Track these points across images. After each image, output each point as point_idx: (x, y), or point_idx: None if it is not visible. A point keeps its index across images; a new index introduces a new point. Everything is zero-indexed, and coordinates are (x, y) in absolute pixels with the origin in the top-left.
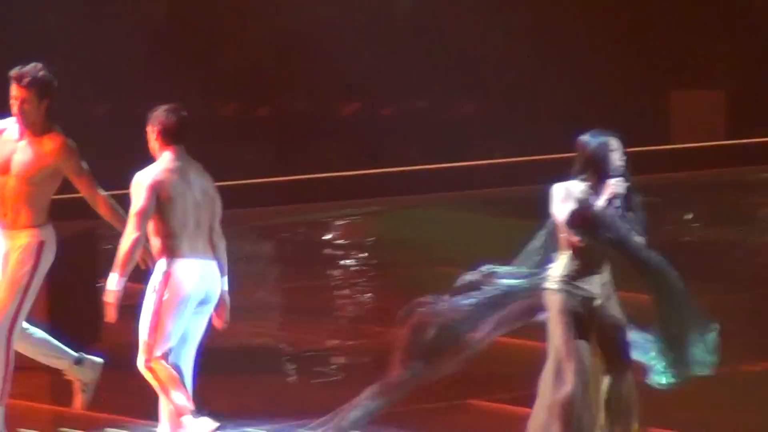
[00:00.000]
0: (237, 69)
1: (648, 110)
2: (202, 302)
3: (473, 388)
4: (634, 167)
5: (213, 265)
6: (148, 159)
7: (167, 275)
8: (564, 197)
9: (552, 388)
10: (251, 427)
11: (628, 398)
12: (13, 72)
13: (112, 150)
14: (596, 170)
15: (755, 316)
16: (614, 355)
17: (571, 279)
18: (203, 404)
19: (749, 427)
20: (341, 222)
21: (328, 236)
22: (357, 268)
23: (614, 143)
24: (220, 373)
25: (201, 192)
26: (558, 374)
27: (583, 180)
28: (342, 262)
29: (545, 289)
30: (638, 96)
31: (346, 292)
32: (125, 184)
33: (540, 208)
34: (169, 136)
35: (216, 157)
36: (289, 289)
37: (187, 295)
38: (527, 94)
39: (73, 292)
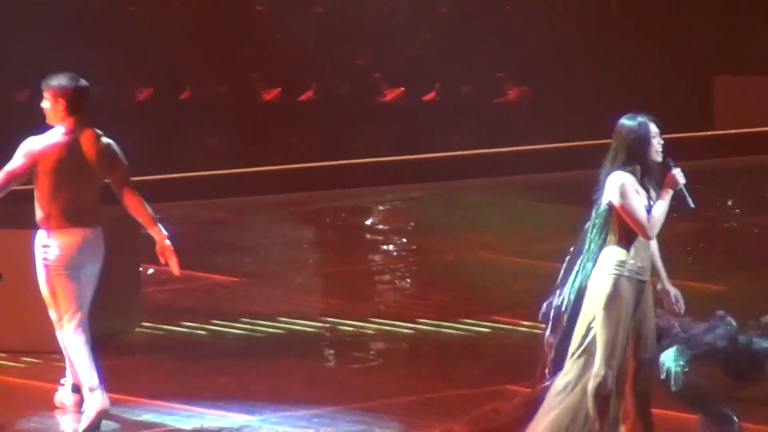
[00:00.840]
0: (282, 54)
1: (692, 95)
2: (84, 270)
3: (511, 375)
4: (677, 153)
5: (92, 232)
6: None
7: (47, 246)
8: (628, 190)
9: (583, 372)
10: (290, 411)
11: (649, 383)
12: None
13: (153, 134)
14: (639, 157)
15: None
16: (650, 342)
17: (628, 265)
18: (244, 389)
19: None
20: (383, 207)
21: (370, 221)
22: (398, 253)
23: (654, 128)
24: (259, 358)
25: (88, 163)
26: (593, 359)
27: (630, 171)
28: (383, 247)
29: (601, 274)
30: (682, 81)
31: (387, 277)
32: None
33: (583, 193)
34: (73, 107)
35: (260, 142)
36: (329, 274)
37: (69, 264)
38: (571, 79)
39: (115, 277)
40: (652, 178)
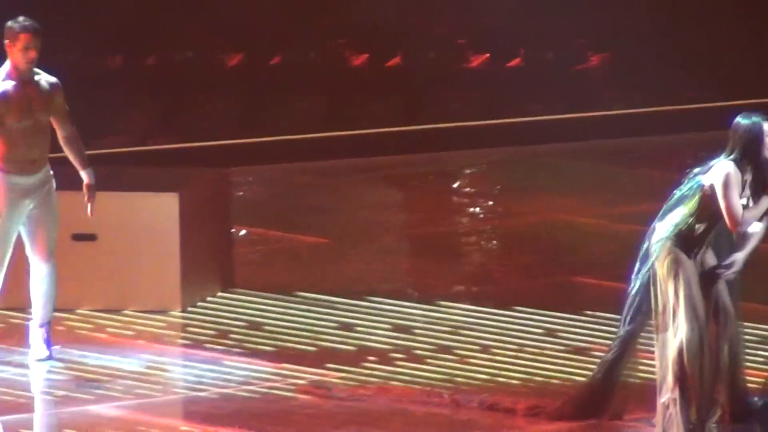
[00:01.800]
0: (368, 20)
1: None
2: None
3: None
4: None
5: (34, 176)
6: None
7: None
8: (733, 182)
9: (666, 340)
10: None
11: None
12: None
13: (243, 99)
14: (752, 156)
15: None
16: (730, 317)
17: (693, 240)
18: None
19: None
20: (468, 171)
21: (456, 184)
22: (483, 215)
23: (767, 127)
24: (346, 319)
25: (32, 107)
26: (671, 325)
27: (740, 167)
28: (469, 210)
29: (669, 244)
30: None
31: (473, 238)
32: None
33: (663, 158)
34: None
35: (347, 107)
36: (416, 235)
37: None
38: (652, 46)
39: (207, 237)
40: (760, 177)
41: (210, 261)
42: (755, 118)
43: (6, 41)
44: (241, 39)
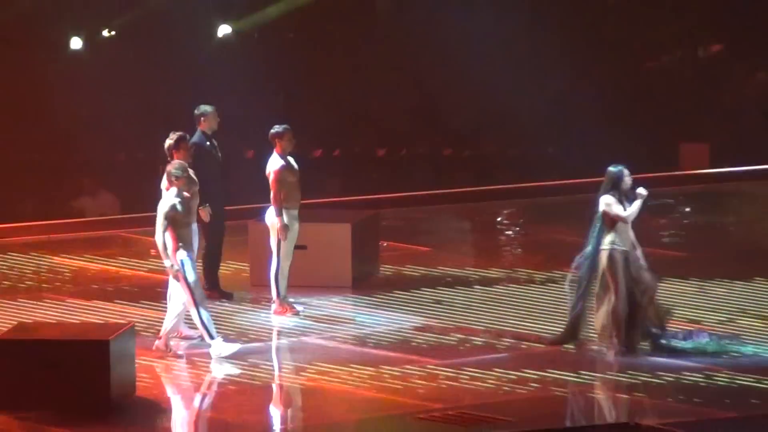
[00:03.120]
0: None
1: None
2: None
3: None
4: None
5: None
6: None
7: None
8: (613, 202)
9: (607, 303)
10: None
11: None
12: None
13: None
14: (617, 187)
15: None
16: (643, 283)
17: (615, 243)
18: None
19: None
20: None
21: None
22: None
23: (626, 171)
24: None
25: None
26: (610, 294)
27: (612, 194)
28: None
29: (607, 248)
30: None
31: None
32: None
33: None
34: None
35: (443, 173)
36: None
37: None
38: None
39: (368, 247)
40: (626, 198)
41: (372, 257)
42: (620, 167)
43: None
44: (385, 138)
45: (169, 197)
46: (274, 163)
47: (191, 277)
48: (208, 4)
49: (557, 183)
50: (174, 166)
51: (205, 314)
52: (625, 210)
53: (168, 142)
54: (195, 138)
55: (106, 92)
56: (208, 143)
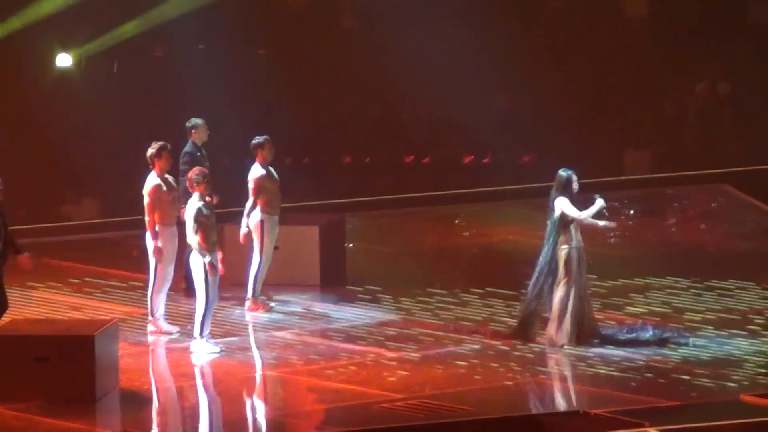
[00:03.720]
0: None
1: None
2: None
3: None
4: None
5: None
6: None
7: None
8: (567, 203)
9: (562, 296)
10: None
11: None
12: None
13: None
14: (569, 190)
15: None
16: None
17: (573, 242)
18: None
19: None
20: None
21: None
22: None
23: (574, 175)
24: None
25: None
26: (564, 287)
27: (565, 195)
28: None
29: (561, 248)
30: None
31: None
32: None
33: None
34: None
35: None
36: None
37: None
38: None
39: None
40: (574, 200)
41: (330, 260)
42: (569, 171)
43: None
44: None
45: (193, 202)
46: (255, 172)
47: (209, 275)
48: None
49: (510, 188)
50: (194, 172)
51: (208, 313)
52: (579, 211)
53: (150, 150)
54: (187, 148)
55: (93, 105)
56: (198, 153)
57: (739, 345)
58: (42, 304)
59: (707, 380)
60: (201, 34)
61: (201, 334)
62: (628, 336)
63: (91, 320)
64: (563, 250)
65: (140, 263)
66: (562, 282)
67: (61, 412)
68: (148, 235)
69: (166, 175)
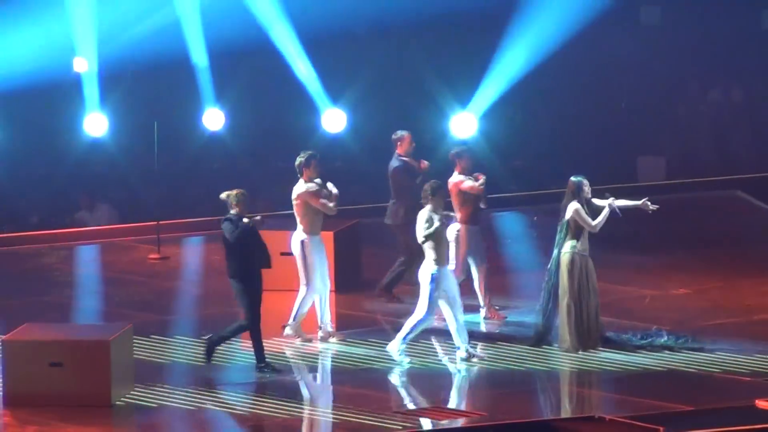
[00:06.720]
0: None
1: None
2: None
3: None
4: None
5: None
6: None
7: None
8: (581, 209)
9: (567, 301)
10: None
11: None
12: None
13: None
14: (580, 196)
15: None
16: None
17: (577, 249)
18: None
19: None
20: None
21: None
22: None
23: (585, 180)
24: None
25: None
26: (567, 293)
27: (578, 201)
28: None
29: (568, 254)
30: None
31: None
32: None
33: None
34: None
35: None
36: None
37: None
38: None
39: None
40: (588, 206)
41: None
42: (580, 177)
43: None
44: None
45: (425, 213)
46: (464, 182)
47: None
48: None
49: (527, 194)
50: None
51: (422, 325)
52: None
53: (299, 159)
54: (394, 162)
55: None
56: (403, 165)
57: (754, 350)
58: (56, 309)
59: (722, 386)
60: None
61: (404, 339)
62: (643, 341)
63: (107, 325)
64: (566, 255)
65: (155, 269)
66: (564, 287)
67: (77, 417)
68: (295, 240)
69: (316, 180)
